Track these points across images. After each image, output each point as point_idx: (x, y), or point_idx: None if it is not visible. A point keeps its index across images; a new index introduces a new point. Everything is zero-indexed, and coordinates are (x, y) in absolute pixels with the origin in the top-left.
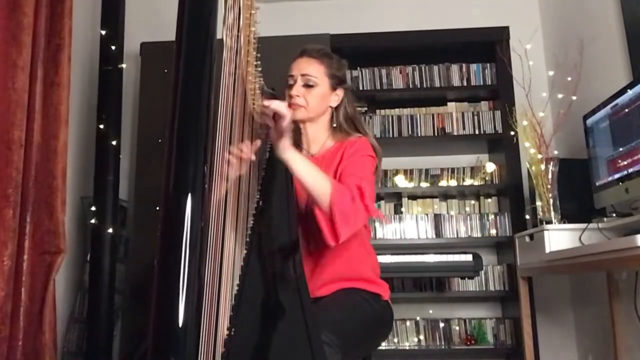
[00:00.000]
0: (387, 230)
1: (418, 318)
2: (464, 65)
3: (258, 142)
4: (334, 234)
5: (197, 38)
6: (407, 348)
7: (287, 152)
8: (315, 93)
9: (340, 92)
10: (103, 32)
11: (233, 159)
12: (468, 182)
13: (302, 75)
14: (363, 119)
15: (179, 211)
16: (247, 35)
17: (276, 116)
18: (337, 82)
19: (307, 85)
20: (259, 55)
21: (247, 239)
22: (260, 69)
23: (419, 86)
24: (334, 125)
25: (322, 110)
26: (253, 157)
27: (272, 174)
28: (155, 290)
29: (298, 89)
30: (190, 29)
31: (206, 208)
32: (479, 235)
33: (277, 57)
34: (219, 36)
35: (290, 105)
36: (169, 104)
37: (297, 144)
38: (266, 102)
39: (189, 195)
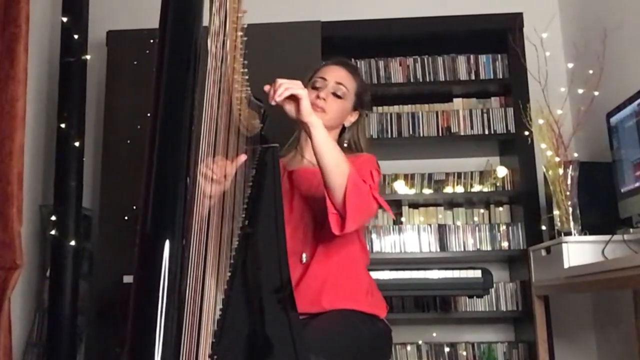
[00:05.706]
0: (386, 243)
1: (420, 342)
2: (472, 56)
3: (242, 157)
4: (342, 223)
5: (182, 29)
6: None
7: (313, 116)
8: (339, 104)
9: (356, 115)
10: (65, 19)
11: (211, 173)
12: (476, 188)
13: (337, 83)
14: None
15: (157, 234)
16: (233, 40)
17: (293, 98)
18: (359, 103)
19: (335, 95)
20: (246, 62)
21: (232, 261)
22: (247, 77)
23: (421, 80)
24: (345, 144)
25: (337, 124)
26: (233, 172)
27: (259, 191)
28: (130, 330)
29: (327, 94)
30: (174, 21)
31: (188, 227)
32: (489, 248)
33: (262, 46)
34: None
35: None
36: (150, 109)
37: (300, 152)
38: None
39: (169, 216)
